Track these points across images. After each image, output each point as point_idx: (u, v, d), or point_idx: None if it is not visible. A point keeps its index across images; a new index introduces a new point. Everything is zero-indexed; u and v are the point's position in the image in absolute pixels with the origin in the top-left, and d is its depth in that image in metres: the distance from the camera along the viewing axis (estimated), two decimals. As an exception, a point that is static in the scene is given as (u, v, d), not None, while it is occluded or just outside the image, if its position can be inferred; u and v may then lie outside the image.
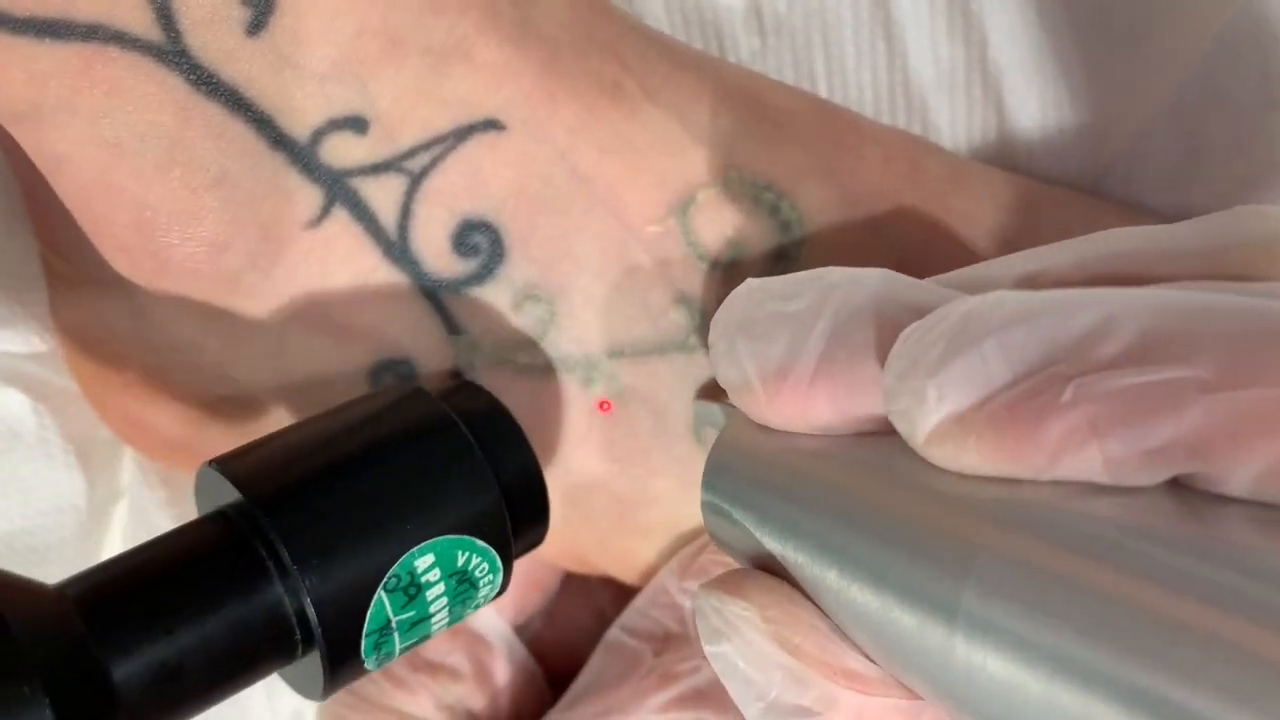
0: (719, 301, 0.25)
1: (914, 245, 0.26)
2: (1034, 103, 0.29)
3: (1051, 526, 0.14)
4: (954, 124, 0.30)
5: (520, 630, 0.31)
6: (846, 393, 0.17)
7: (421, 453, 0.22)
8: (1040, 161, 0.30)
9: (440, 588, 0.22)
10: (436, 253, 0.24)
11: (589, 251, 0.25)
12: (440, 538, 0.22)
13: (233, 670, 0.20)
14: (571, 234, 0.25)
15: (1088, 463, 0.14)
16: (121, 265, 0.24)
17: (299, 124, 0.23)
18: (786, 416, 0.18)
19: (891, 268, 0.25)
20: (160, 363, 0.27)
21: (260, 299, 0.24)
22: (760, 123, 0.26)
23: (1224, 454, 0.13)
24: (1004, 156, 0.30)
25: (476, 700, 0.30)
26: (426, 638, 0.23)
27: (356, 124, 0.23)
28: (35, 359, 0.29)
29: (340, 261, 0.24)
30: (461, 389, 0.24)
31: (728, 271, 0.25)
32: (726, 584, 0.18)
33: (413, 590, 0.21)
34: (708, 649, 0.18)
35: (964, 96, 0.29)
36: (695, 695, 0.26)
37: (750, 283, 0.19)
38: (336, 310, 0.25)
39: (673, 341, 0.25)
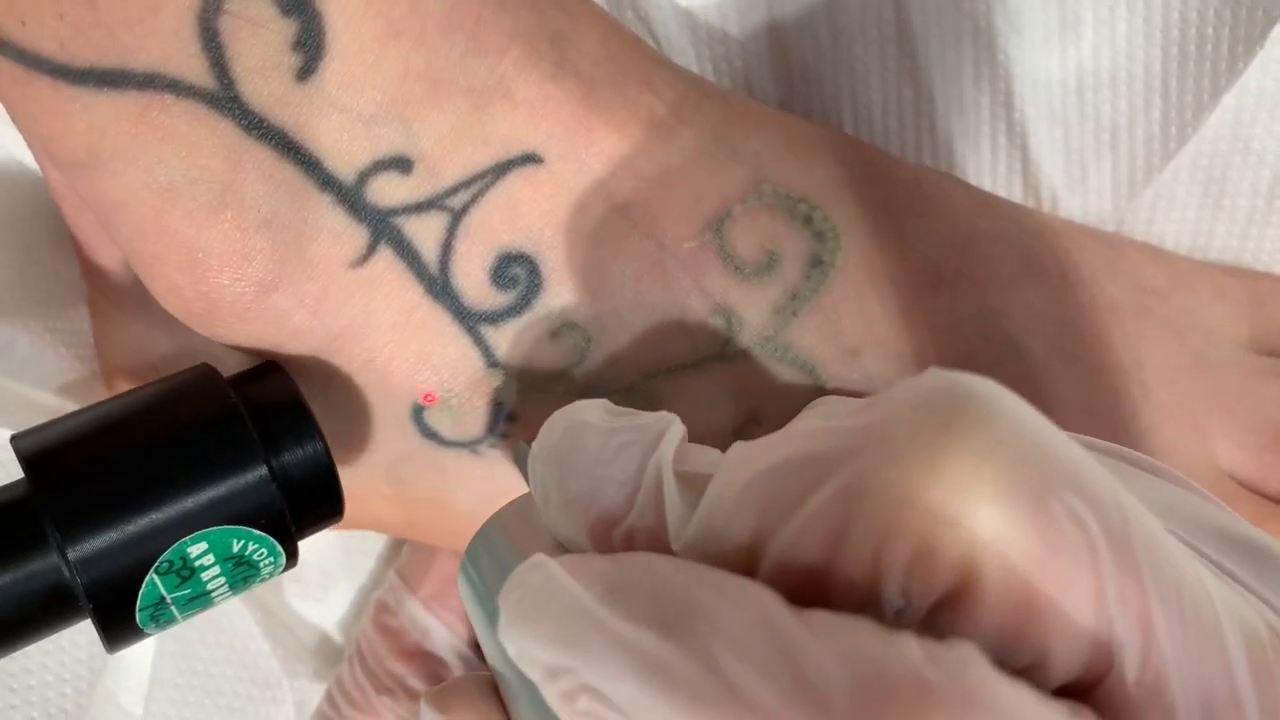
0: (758, 309, 0.25)
1: (946, 260, 0.26)
2: (1059, 150, 0.30)
3: None
4: (979, 170, 0.30)
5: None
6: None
7: (202, 449, 0.23)
8: (1064, 207, 0.30)
9: (216, 570, 0.23)
10: (476, 286, 0.25)
11: (626, 275, 0.25)
12: (214, 528, 0.23)
13: (17, 630, 0.23)
14: (608, 260, 0.25)
15: None
16: (173, 306, 0.24)
17: (346, 165, 0.23)
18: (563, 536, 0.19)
19: (924, 280, 0.26)
20: None
21: (307, 337, 0.25)
22: (791, 143, 0.26)
23: None
24: (1028, 202, 0.30)
25: None
26: (209, 607, 0.24)
27: (401, 164, 0.24)
28: (85, 401, 0.30)
29: (384, 299, 0.25)
30: (258, 373, 0.25)
31: (765, 278, 0.26)
32: (439, 696, 0.20)
33: (186, 573, 0.23)
34: None
35: (989, 144, 0.30)
36: None
37: (588, 414, 0.20)
38: (380, 348, 0.25)
39: (710, 353, 0.26)
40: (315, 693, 0.34)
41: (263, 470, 0.23)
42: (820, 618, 0.14)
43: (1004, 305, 0.26)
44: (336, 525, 0.26)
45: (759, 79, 0.30)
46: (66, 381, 0.30)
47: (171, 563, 0.23)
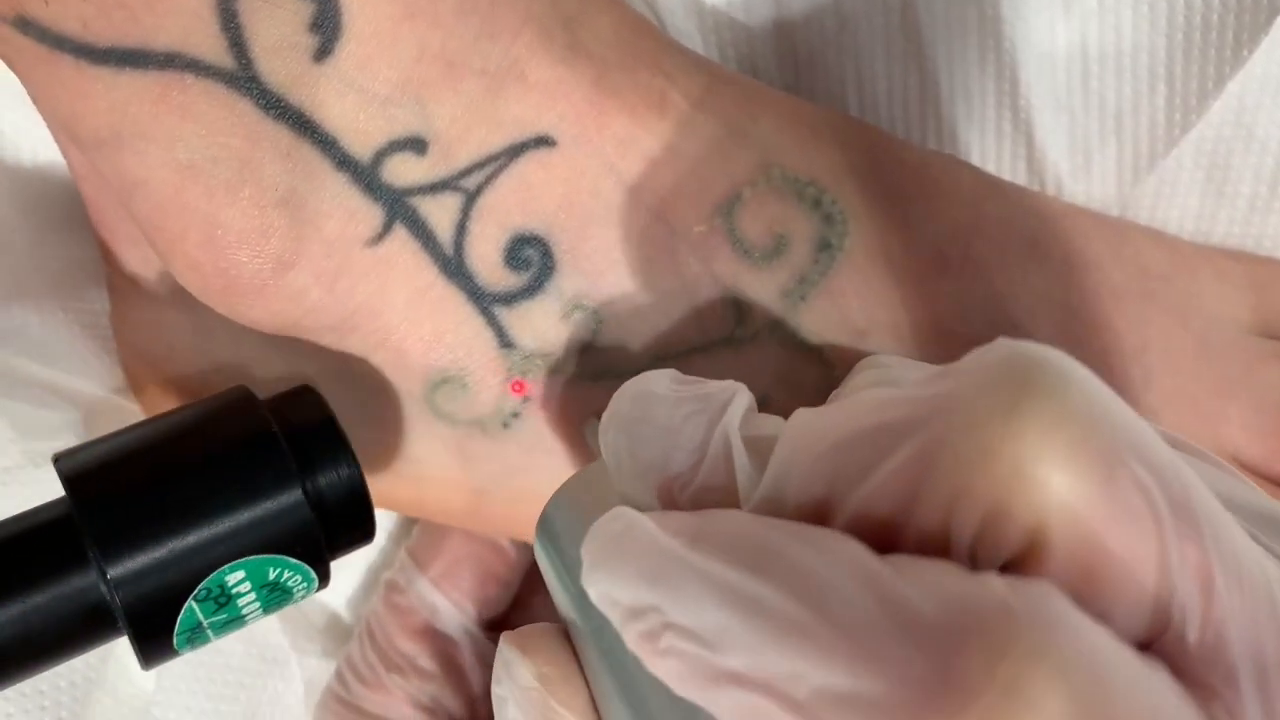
0: (767, 293, 0.26)
1: (952, 244, 0.27)
2: (1063, 136, 0.30)
3: None
4: (984, 156, 0.31)
5: (490, 622, 0.33)
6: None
7: (240, 476, 0.23)
8: (1068, 192, 0.31)
9: (251, 596, 0.24)
10: (489, 267, 0.25)
11: (637, 258, 0.25)
12: (252, 557, 0.23)
13: (55, 646, 0.23)
14: (620, 243, 0.25)
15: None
16: (192, 283, 0.25)
17: (362, 145, 0.24)
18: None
19: (930, 264, 0.26)
20: (224, 379, 0.28)
21: (323, 314, 0.25)
22: (799, 127, 0.27)
23: None
24: (1032, 187, 0.31)
25: (449, 696, 0.32)
26: (242, 627, 0.24)
27: (416, 144, 0.24)
28: (98, 381, 0.30)
29: (399, 278, 0.25)
30: (294, 396, 0.26)
31: (773, 262, 0.26)
32: (518, 638, 0.21)
33: (223, 599, 0.23)
34: (493, 687, 0.21)
35: (994, 130, 0.30)
36: None
37: (655, 385, 0.21)
38: (395, 326, 0.25)
39: (718, 338, 0.26)
40: (324, 670, 0.34)
41: (298, 494, 0.23)
42: (903, 560, 0.15)
43: (1009, 289, 0.26)
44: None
45: (765, 64, 0.31)
46: (93, 373, 0.30)
47: (210, 590, 0.23)
